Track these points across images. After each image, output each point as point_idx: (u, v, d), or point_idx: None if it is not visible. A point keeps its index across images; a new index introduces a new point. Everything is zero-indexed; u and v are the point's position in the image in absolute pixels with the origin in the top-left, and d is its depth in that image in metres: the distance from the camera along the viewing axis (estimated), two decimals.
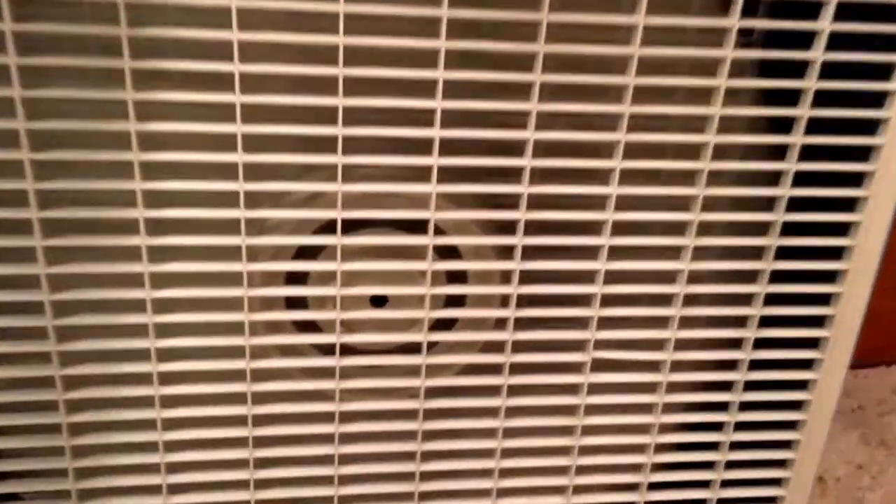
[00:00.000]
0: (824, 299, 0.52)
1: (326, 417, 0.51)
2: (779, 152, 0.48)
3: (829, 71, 0.45)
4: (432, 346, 0.51)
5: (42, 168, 0.43)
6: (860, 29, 0.45)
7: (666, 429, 0.55)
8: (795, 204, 0.49)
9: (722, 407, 0.55)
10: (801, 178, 0.48)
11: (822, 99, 0.46)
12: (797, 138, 0.47)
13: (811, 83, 0.46)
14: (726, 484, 0.57)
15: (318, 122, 0.43)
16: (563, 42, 0.43)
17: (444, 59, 0.42)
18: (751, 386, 0.54)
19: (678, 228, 0.49)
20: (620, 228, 0.48)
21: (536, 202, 0.47)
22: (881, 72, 0.46)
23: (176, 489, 0.52)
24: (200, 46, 0.42)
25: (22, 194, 0.43)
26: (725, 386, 0.54)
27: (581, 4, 0.43)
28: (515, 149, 0.45)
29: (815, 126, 0.47)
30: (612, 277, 0.49)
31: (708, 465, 0.56)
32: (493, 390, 0.52)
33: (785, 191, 0.48)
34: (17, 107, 0.41)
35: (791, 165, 0.48)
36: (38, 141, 0.42)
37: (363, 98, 0.43)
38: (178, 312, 0.47)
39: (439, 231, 0.47)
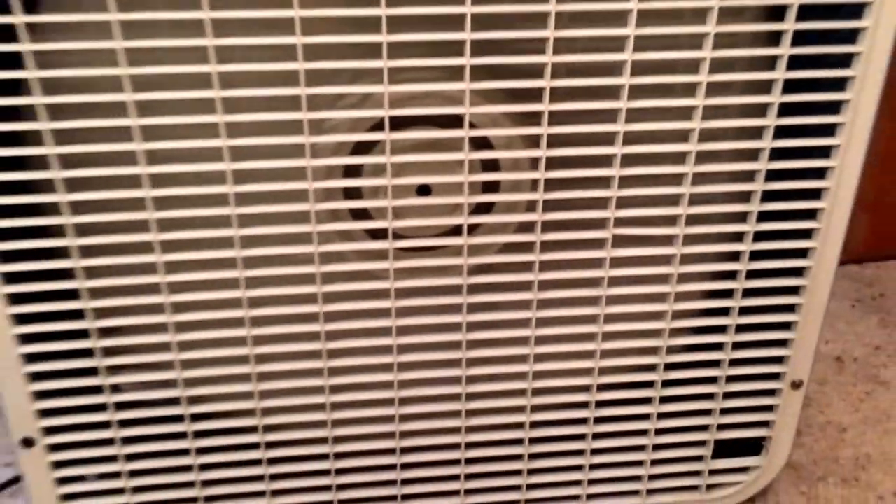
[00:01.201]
0: (825, 152, 0.56)
1: (383, 294, 0.59)
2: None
3: None
4: (473, 229, 0.57)
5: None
6: None
7: (682, 297, 0.61)
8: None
9: (731, 275, 0.61)
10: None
11: None
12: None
13: None
14: (738, 346, 0.64)
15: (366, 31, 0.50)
16: None
17: None
18: (757, 256, 0.60)
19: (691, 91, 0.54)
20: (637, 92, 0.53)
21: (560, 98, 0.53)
22: None
23: (262, 359, 0.61)
24: None
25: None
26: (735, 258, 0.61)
27: None
28: (539, 50, 0.52)
29: None
30: (631, 137, 0.55)
31: (721, 329, 0.63)
32: (527, 266, 0.58)
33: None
34: None
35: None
36: None
37: (404, 7, 0.50)
38: (258, 205, 0.55)
39: (473, 125, 0.53)
